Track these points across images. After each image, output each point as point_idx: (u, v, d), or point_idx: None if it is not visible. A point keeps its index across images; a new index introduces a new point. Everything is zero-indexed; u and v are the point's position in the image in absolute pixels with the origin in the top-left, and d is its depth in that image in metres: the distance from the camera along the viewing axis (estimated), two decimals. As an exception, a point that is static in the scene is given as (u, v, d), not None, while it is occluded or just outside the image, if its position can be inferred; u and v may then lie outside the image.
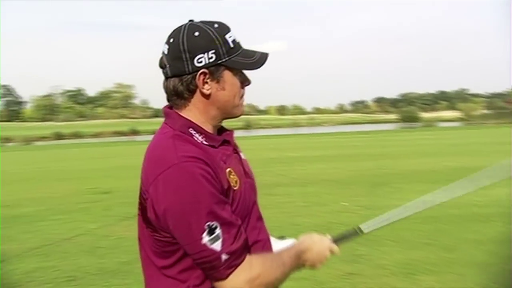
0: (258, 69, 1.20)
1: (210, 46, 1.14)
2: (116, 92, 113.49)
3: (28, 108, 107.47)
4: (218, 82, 1.17)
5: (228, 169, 1.16)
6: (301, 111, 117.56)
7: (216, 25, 1.18)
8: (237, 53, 1.18)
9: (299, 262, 1.26)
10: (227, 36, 1.16)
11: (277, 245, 1.33)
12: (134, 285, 3.98)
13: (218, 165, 1.13)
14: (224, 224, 1.08)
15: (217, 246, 1.06)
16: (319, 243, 1.32)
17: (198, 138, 1.16)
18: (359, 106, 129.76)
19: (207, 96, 1.17)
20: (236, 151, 1.27)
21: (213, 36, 1.15)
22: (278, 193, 8.46)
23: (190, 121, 1.19)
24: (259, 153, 17.83)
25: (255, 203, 1.26)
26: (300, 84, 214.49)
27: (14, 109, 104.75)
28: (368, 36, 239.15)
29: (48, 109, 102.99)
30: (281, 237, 1.41)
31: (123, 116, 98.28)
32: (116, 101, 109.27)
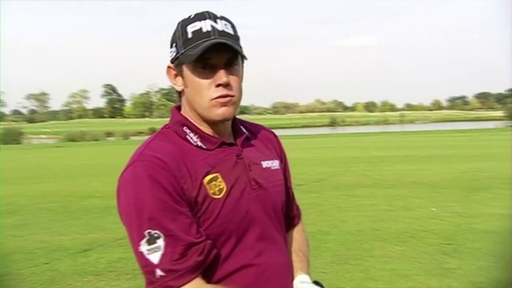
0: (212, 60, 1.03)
1: (173, 39, 1.08)
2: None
3: (128, 105, 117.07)
4: (183, 78, 1.08)
5: (210, 176, 1.04)
6: (392, 108, 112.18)
7: (191, 16, 1.08)
8: (194, 44, 1.02)
9: None
10: (189, 27, 1.05)
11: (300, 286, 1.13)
12: None
13: (192, 171, 1.02)
14: (170, 236, 0.96)
15: (154, 258, 0.96)
16: None
17: (193, 138, 1.09)
18: (457, 102, 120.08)
19: (183, 94, 1.10)
20: (240, 156, 1.11)
21: (177, 29, 1.08)
22: (360, 194, 8.05)
23: (186, 119, 1.11)
24: (342, 151, 17.31)
25: (260, 218, 1.09)
26: (390, 79, 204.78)
27: (116, 106, 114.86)
28: (468, 26, 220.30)
29: (144, 106, 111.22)
30: (316, 283, 1.18)
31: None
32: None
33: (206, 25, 1.04)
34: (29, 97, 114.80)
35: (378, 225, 5.84)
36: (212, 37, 1.02)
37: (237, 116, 1.19)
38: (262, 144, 1.20)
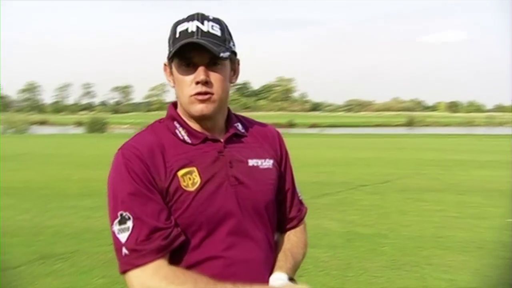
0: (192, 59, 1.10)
1: (168, 38, 1.15)
2: (277, 85, 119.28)
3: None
4: (174, 76, 1.15)
5: (185, 169, 1.09)
6: (478, 109, 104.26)
7: (184, 17, 1.15)
8: (178, 44, 1.09)
9: None
10: (178, 27, 1.13)
11: (273, 283, 1.11)
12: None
13: (168, 163, 1.09)
14: (138, 219, 1.04)
15: (123, 237, 1.04)
16: None
17: (181, 132, 1.15)
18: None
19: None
20: (222, 152, 1.15)
21: (170, 29, 1.15)
22: (427, 199, 7.61)
23: (177, 114, 1.18)
24: (415, 153, 16.44)
25: (235, 214, 1.12)
26: (479, 78, 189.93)
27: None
28: None
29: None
30: (292, 280, 1.15)
31: (282, 109, 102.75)
32: (277, 94, 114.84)
33: (192, 26, 1.10)
34: (115, 89, 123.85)
35: (442, 232, 5.48)
36: (195, 37, 1.08)
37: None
38: (256, 143, 1.23)
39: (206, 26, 1.11)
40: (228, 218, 1.12)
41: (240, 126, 1.24)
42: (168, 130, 1.16)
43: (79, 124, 46.75)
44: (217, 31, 1.12)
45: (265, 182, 1.18)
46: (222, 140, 1.18)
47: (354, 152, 16.57)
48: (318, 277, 4.07)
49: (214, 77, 1.11)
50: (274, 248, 1.23)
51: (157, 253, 1.03)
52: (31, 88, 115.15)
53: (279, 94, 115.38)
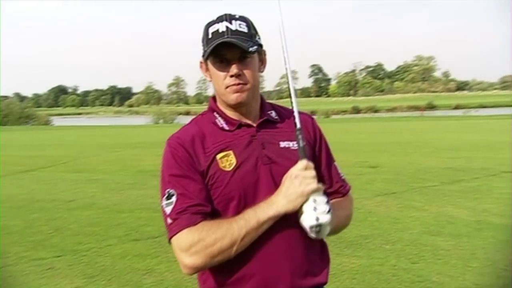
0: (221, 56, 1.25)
1: (202, 39, 1.31)
2: (415, 65, 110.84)
3: (333, 84, 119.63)
4: (209, 71, 1.32)
5: (223, 153, 1.28)
6: None
7: (213, 19, 1.30)
8: (212, 43, 1.25)
9: (265, 215, 1.19)
10: (210, 28, 1.28)
11: None
12: (364, 259, 4.07)
13: (207, 148, 1.28)
14: (180, 195, 1.23)
15: (168, 210, 1.24)
16: (287, 180, 1.22)
17: (220, 121, 1.34)
18: None
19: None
20: (254, 135, 1.32)
21: (203, 30, 1.31)
22: None
23: (216, 106, 1.37)
24: None
25: (269, 187, 1.26)
26: None
27: (322, 86, 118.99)
28: None
29: (349, 85, 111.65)
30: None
31: (421, 90, 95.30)
32: (415, 74, 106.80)
33: (222, 26, 1.26)
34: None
35: None
36: (225, 36, 1.24)
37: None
38: (288, 128, 1.34)
39: (234, 25, 1.26)
40: (263, 190, 1.25)
41: (273, 113, 1.39)
42: (209, 121, 1.34)
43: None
44: (244, 28, 1.27)
45: (296, 160, 1.25)
46: (255, 125, 1.33)
47: (501, 135, 14.66)
48: (435, 265, 3.89)
49: (245, 69, 1.27)
50: None
51: (192, 220, 1.20)
52: (177, 82, 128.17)
53: (418, 74, 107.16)
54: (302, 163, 1.22)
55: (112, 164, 10.77)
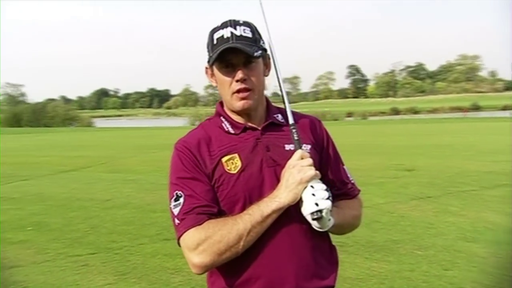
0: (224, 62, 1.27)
1: (206, 45, 1.33)
2: (458, 64, 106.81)
3: (371, 85, 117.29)
4: (216, 77, 1.33)
5: (228, 156, 1.29)
6: None
7: (218, 25, 1.31)
8: (217, 49, 1.26)
9: (268, 208, 1.21)
10: (215, 34, 1.29)
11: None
12: (394, 264, 3.97)
13: (213, 152, 1.31)
14: (187, 196, 1.26)
15: (176, 211, 1.26)
16: (286, 172, 1.24)
17: (226, 125, 1.36)
18: None
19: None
20: (259, 138, 1.33)
21: (208, 36, 1.32)
22: None
23: (223, 110, 1.39)
24: None
25: (274, 188, 1.26)
26: None
27: (360, 87, 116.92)
28: None
29: (388, 85, 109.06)
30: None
31: (465, 90, 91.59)
32: (458, 74, 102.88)
33: (226, 32, 1.27)
34: (284, 80, 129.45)
35: None
36: (230, 42, 1.25)
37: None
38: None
39: (239, 31, 1.27)
40: (268, 193, 1.26)
41: (280, 117, 1.40)
42: (215, 125, 1.37)
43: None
44: (248, 33, 1.28)
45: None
46: (260, 128, 1.34)
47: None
48: (469, 273, 3.74)
49: (251, 74, 1.29)
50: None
51: (198, 220, 1.23)
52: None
53: (461, 74, 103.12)
54: (298, 153, 1.25)
55: (148, 165, 11.05)
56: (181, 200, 1.26)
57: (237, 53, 1.25)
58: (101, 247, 4.74)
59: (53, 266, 4.25)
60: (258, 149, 1.31)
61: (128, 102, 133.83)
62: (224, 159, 1.29)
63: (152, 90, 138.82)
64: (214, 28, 1.32)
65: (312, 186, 1.20)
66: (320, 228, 1.22)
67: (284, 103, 1.35)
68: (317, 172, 1.22)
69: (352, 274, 3.77)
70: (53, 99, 74.15)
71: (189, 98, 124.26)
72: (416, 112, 56.31)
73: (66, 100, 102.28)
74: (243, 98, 1.29)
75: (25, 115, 46.20)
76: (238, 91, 1.28)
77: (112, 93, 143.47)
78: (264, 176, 1.29)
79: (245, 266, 1.26)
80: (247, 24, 1.31)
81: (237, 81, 1.28)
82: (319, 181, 1.22)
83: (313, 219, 1.18)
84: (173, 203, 1.28)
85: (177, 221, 1.26)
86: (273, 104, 1.43)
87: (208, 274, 1.33)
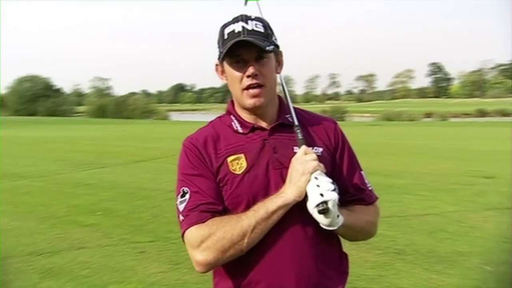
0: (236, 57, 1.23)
1: (217, 41, 1.29)
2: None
3: (455, 84, 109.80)
4: (226, 73, 1.29)
5: (234, 156, 1.26)
6: None
7: (229, 20, 1.27)
8: (228, 43, 1.22)
9: (273, 204, 1.17)
10: (226, 29, 1.26)
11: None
12: (456, 277, 3.66)
13: (219, 151, 1.27)
14: (193, 192, 1.24)
15: (181, 207, 1.25)
16: (290, 168, 1.21)
17: (235, 124, 1.32)
18: None
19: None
20: (267, 139, 1.28)
21: (219, 32, 1.28)
22: None
23: (233, 109, 1.35)
24: None
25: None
26: None
27: (442, 86, 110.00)
28: None
29: (475, 85, 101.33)
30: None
31: None
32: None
33: (238, 27, 1.24)
34: (359, 78, 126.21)
35: None
36: (241, 36, 1.21)
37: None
38: (306, 133, 1.30)
39: (250, 25, 1.23)
40: (270, 193, 1.22)
41: (295, 118, 1.32)
42: (225, 123, 1.34)
43: (324, 113, 50.40)
44: (260, 28, 1.24)
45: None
46: (268, 129, 1.29)
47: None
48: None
49: (262, 69, 1.23)
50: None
51: (202, 217, 1.21)
52: (285, 81, 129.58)
53: None
54: (302, 148, 1.23)
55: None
56: (187, 196, 1.25)
57: (248, 47, 1.22)
58: (160, 236, 4.94)
59: (115, 250, 4.51)
60: (265, 151, 1.28)
61: (202, 97, 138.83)
62: (229, 159, 1.27)
63: (227, 85, 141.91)
64: (225, 24, 1.30)
65: (316, 178, 1.16)
66: (329, 226, 1.16)
67: (287, 102, 1.31)
68: (321, 164, 1.19)
69: (407, 285, 3.54)
70: (135, 93, 79.22)
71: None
72: (506, 114, 51.54)
73: (146, 94, 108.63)
74: (254, 96, 1.25)
75: (109, 107, 49.80)
76: (249, 87, 1.24)
77: (188, 88, 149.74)
78: (269, 178, 1.25)
79: (247, 268, 1.24)
80: (259, 19, 1.28)
81: (248, 76, 1.23)
82: (323, 174, 1.18)
83: (319, 212, 1.13)
84: (179, 199, 1.27)
85: (181, 217, 1.25)
86: (291, 104, 1.36)
87: (212, 273, 1.32)
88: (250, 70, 1.23)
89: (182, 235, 1.25)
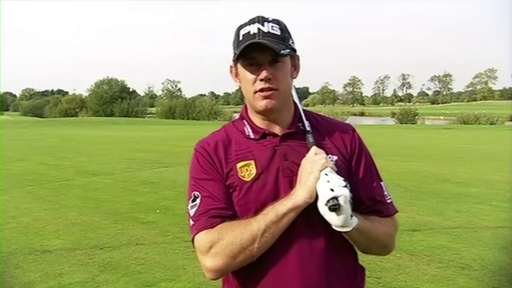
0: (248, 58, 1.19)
1: (233, 41, 1.25)
2: None
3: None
4: (239, 76, 1.25)
5: (244, 162, 1.23)
6: None
7: (246, 21, 1.24)
8: (242, 45, 1.18)
9: (283, 207, 1.13)
10: (241, 31, 1.22)
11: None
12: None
13: (229, 156, 1.25)
14: (204, 197, 1.22)
15: (192, 212, 1.23)
16: (300, 170, 1.17)
17: (248, 129, 1.29)
18: None
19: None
20: (277, 146, 1.24)
21: (234, 33, 1.25)
22: None
23: (246, 114, 1.31)
24: None
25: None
26: None
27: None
28: None
29: None
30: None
31: None
32: None
33: (253, 28, 1.20)
34: (433, 79, 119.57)
35: None
36: (256, 38, 1.18)
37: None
38: (320, 140, 1.26)
39: (266, 27, 1.19)
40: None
41: (307, 123, 1.28)
42: (237, 128, 1.31)
43: (393, 115, 48.47)
44: (277, 31, 1.20)
45: None
46: (279, 135, 1.26)
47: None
48: None
49: (277, 73, 1.19)
50: (335, 235, 1.17)
51: (211, 222, 1.18)
52: (353, 83, 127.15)
53: None
54: (312, 149, 1.19)
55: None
56: (198, 201, 1.23)
57: (263, 50, 1.18)
58: (212, 236, 4.99)
59: (169, 248, 4.63)
60: (276, 158, 1.24)
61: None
62: (239, 165, 1.24)
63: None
64: (241, 25, 1.26)
65: (326, 174, 1.12)
66: (342, 227, 1.08)
67: (297, 108, 1.26)
68: (330, 161, 1.16)
69: (470, 304, 3.23)
70: (203, 95, 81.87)
71: (327, 96, 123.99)
72: None
73: (214, 95, 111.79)
74: (266, 97, 1.21)
75: (178, 109, 51.90)
76: (261, 90, 1.20)
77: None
78: (279, 186, 1.21)
79: (254, 279, 1.19)
80: (276, 21, 1.23)
81: (261, 80, 1.20)
82: (334, 172, 1.13)
83: (330, 209, 1.05)
84: (190, 204, 1.26)
85: (191, 222, 1.24)
86: (301, 107, 1.30)
87: (222, 281, 1.29)
88: (263, 73, 1.19)
89: (192, 240, 1.23)
